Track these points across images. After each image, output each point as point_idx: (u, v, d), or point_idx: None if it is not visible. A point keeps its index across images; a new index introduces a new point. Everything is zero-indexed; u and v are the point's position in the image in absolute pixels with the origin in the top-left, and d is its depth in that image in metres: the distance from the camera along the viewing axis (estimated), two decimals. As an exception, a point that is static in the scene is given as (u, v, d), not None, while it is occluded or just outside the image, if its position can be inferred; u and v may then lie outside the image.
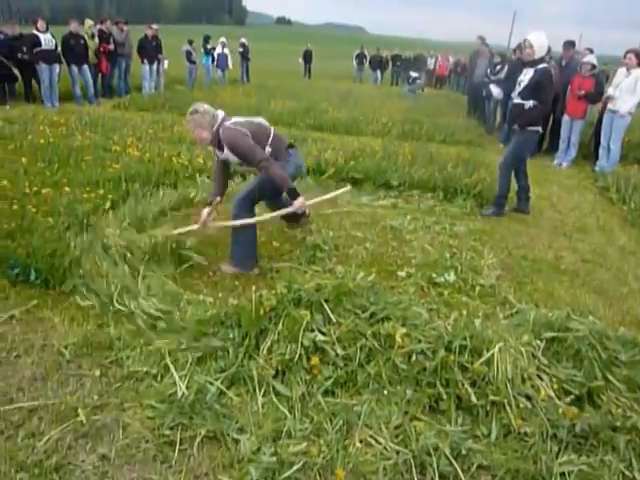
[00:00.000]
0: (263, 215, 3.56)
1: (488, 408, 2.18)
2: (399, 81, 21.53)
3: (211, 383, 2.23)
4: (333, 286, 2.53)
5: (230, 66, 16.45)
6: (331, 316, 2.44)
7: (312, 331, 2.35)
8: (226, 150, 3.32)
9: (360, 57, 22.82)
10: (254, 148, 3.22)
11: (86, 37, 10.32)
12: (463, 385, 2.24)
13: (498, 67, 9.60)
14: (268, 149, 3.36)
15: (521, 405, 2.17)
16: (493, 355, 2.28)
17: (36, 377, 2.32)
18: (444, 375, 2.26)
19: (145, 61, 12.13)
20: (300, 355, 2.29)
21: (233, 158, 3.36)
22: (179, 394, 2.17)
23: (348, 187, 3.84)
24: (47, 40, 9.49)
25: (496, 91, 8.72)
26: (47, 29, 9.58)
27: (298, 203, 3.22)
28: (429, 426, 2.10)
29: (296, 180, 3.77)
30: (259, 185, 3.38)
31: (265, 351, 2.39)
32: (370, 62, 22.43)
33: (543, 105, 4.63)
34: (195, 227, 3.53)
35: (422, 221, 4.53)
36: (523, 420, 2.11)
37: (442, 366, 2.27)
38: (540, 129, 4.90)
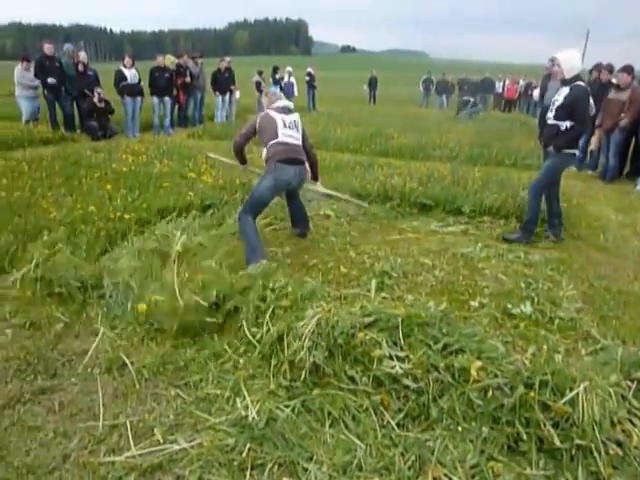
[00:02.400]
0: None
1: (573, 452, 2.04)
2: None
3: (281, 410, 2.24)
4: (405, 314, 2.48)
5: (296, 94, 16.95)
6: (403, 346, 2.39)
7: (385, 360, 2.30)
8: None
9: (427, 82, 22.75)
10: (242, 129, 4.10)
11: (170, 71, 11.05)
12: (545, 426, 2.10)
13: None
14: (265, 149, 3.92)
15: (611, 452, 2.01)
16: (577, 395, 2.14)
17: (117, 394, 2.43)
18: (523, 414, 2.14)
19: (217, 92, 12.77)
20: (371, 385, 2.26)
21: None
22: (250, 418, 2.19)
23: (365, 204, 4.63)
24: (132, 75, 10.22)
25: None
26: (133, 65, 10.33)
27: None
28: (508, 468, 1.99)
29: (280, 192, 4.13)
30: (257, 187, 3.94)
31: (333, 377, 2.39)
32: (436, 87, 22.30)
33: (580, 125, 4.36)
34: (238, 165, 4.47)
35: (495, 249, 4.38)
36: (614, 469, 1.95)
37: (521, 404, 2.15)
38: (577, 152, 4.61)
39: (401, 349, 2.41)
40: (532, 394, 2.14)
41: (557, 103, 4.43)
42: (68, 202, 4.76)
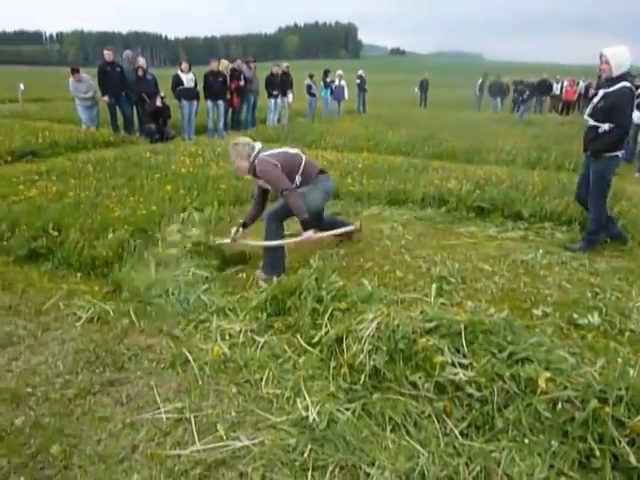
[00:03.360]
0: (286, 239, 3.88)
1: (651, 473, 1.92)
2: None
3: (342, 412, 2.23)
4: (469, 321, 2.42)
5: (346, 97, 16.98)
6: (466, 353, 2.34)
7: (447, 367, 2.26)
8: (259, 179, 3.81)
9: (482, 85, 22.20)
10: (280, 179, 3.66)
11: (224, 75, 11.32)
12: (620, 443, 2.00)
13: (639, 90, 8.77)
14: (299, 177, 3.79)
15: (693, 474, 1.88)
16: (656, 412, 2.02)
17: (180, 389, 2.49)
18: (596, 429, 2.04)
19: (270, 96, 12.98)
20: (433, 391, 2.22)
21: (266, 185, 3.84)
22: (310, 419, 2.20)
23: (357, 225, 4.34)
24: (188, 80, 10.54)
25: (636, 115, 7.96)
26: (189, 69, 10.65)
27: (306, 235, 3.72)
28: (580, 485, 1.90)
29: (326, 201, 4.18)
30: (285, 205, 3.74)
31: (394, 382, 2.36)
32: (490, 88, 21.72)
33: (620, 129, 4.06)
34: (226, 241, 4.03)
35: (557, 256, 4.21)
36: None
37: (594, 419, 2.05)
38: (620, 154, 4.27)
39: (464, 356, 2.35)
40: (606, 409, 2.04)
41: (597, 103, 4.17)
42: (131, 202, 4.95)
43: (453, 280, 3.61)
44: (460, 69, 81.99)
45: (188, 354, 2.72)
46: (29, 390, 2.46)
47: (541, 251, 4.28)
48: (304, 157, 3.93)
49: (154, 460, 2.05)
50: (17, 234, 4.19)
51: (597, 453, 1.99)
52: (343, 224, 4.33)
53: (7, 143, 8.10)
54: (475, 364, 2.31)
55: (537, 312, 3.23)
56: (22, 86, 15.33)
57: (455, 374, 2.26)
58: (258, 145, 3.85)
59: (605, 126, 4.11)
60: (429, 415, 2.21)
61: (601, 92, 4.20)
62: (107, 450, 2.11)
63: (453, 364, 2.30)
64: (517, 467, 1.96)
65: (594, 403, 2.07)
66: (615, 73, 4.03)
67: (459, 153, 8.89)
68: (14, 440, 2.12)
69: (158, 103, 10.01)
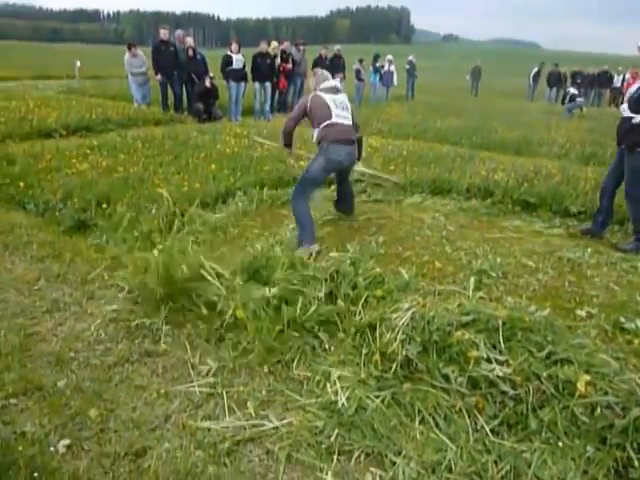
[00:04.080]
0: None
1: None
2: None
3: (371, 400, 2.22)
4: (507, 317, 2.36)
5: (395, 83, 16.68)
6: (502, 350, 2.28)
7: (482, 362, 2.21)
8: None
9: (537, 74, 21.31)
10: (293, 112, 4.14)
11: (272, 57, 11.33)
12: (661, 455, 1.91)
13: None
14: (316, 130, 3.93)
15: None
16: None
17: (214, 364, 2.54)
18: (637, 438, 1.96)
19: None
20: (466, 386, 2.18)
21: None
22: (339, 404, 2.20)
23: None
24: (237, 60, 10.61)
25: None
26: (239, 50, 10.71)
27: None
28: (615, 494, 1.83)
29: (332, 172, 4.16)
30: (308, 167, 3.98)
31: (426, 373, 2.33)
32: (548, 79, 20.82)
33: None
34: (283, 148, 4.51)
35: (606, 256, 4.02)
36: None
37: (635, 427, 1.97)
38: None
39: (500, 353, 2.29)
40: (649, 419, 1.95)
41: (634, 93, 3.98)
42: (176, 179, 5.05)
43: (494, 274, 3.51)
44: (515, 57, 78.99)
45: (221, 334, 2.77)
46: (72, 355, 2.58)
47: (589, 250, 4.10)
48: (333, 119, 3.87)
49: (185, 431, 2.11)
50: (69, 205, 4.36)
51: (636, 463, 1.91)
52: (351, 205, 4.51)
53: (63, 117, 8.41)
54: (511, 362, 2.25)
55: (581, 313, 3.10)
56: (79, 63, 15.86)
57: (491, 370, 2.20)
58: (328, 83, 4.03)
59: (638, 117, 3.91)
60: (460, 410, 2.17)
61: (637, 83, 4.06)
62: (141, 417, 2.18)
63: (488, 360, 2.25)
64: (548, 470, 1.91)
65: (636, 412, 1.99)
66: None
67: (509, 144, 8.59)
68: (56, 401, 2.23)
69: (207, 84, 10.13)
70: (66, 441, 2.01)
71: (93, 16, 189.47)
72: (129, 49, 10.52)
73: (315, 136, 3.98)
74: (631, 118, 3.99)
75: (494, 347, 2.30)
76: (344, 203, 4.52)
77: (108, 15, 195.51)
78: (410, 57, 18.20)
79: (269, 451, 2.03)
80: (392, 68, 16.30)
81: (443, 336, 2.35)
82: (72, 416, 2.16)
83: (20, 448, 1.92)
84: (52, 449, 1.97)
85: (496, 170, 5.98)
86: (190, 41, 10.72)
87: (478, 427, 2.12)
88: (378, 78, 16.28)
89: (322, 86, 4.00)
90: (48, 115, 8.44)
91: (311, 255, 3.54)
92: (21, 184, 4.80)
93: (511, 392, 2.16)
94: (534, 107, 16.74)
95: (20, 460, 1.86)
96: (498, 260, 3.74)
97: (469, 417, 2.15)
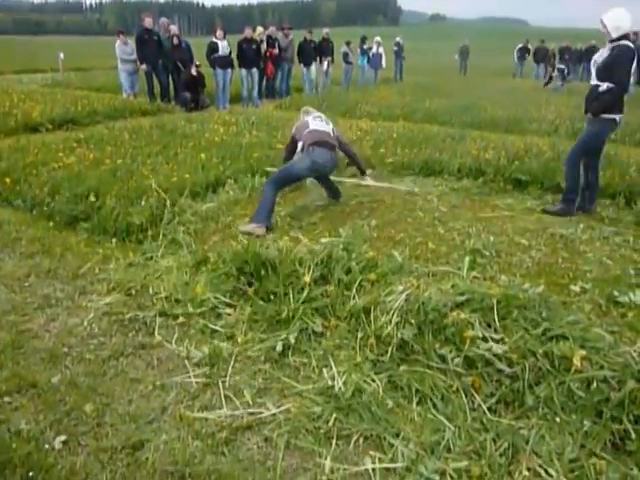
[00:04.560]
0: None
1: (690, 457, 1.84)
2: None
3: (368, 383, 2.22)
4: (502, 295, 2.35)
5: (384, 65, 16.53)
6: (497, 328, 2.27)
7: (484, 341, 2.20)
8: None
9: (522, 51, 21.18)
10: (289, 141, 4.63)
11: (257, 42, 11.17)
12: (657, 426, 1.92)
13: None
14: (300, 143, 4.37)
15: None
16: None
17: (209, 355, 2.52)
18: (633, 410, 1.96)
19: (302, 64, 12.78)
20: (462, 366, 2.17)
21: None
22: (336, 389, 2.19)
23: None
24: (223, 47, 10.45)
25: None
26: (224, 37, 10.54)
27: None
28: (612, 466, 1.84)
29: (320, 173, 4.33)
30: (294, 163, 4.29)
31: (422, 355, 2.32)
32: (535, 55, 20.68)
33: (617, 87, 4.01)
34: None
35: (599, 230, 4.02)
36: None
37: (631, 400, 1.97)
38: (617, 117, 4.17)
39: (495, 331, 2.29)
40: (645, 390, 1.95)
41: (598, 63, 4.14)
42: (165, 170, 4.99)
43: (487, 253, 3.51)
44: (503, 35, 78.40)
45: (214, 325, 2.75)
46: (65, 350, 2.55)
47: (582, 225, 4.11)
48: (311, 127, 4.30)
49: (182, 422, 2.10)
50: (57, 200, 4.30)
51: (633, 435, 1.92)
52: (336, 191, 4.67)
53: (48, 111, 8.26)
54: (507, 340, 2.25)
55: (575, 288, 3.10)
56: (62, 55, 15.56)
57: (487, 349, 2.20)
58: (310, 116, 4.50)
59: (604, 85, 4.08)
60: (457, 389, 2.17)
61: (601, 51, 4.21)
62: (138, 410, 2.17)
63: (484, 339, 2.24)
64: (546, 445, 1.91)
65: (632, 384, 1.99)
66: (615, 35, 4.03)
67: (499, 122, 8.56)
68: (51, 397, 2.21)
69: (193, 72, 9.99)
70: (62, 437, 1.99)
71: (75, 7, 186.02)
72: (118, 36, 10.41)
73: (299, 147, 4.40)
74: (598, 86, 4.15)
75: (489, 326, 2.30)
76: (330, 191, 4.64)
77: (91, 6, 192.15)
78: (398, 38, 18.00)
79: (267, 438, 2.02)
80: (381, 50, 16.13)
81: (438, 317, 2.35)
82: (67, 412, 2.13)
83: (15, 446, 1.90)
84: (47, 446, 1.95)
85: (487, 149, 5.97)
86: (175, 29, 10.56)
87: (475, 406, 2.12)
88: (366, 61, 16.12)
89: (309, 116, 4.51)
90: (33, 109, 8.29)
91: (251, 235, 3.69)
92: (7, 180, 4.72)
93: (507, 370, 2.17)
94: (523, 85, 16.68)
95: (15, 459, 1.84)
96: (491, 239, 3.74)
97: (466, 396, 2.15)
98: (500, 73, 22.10)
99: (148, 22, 10.05)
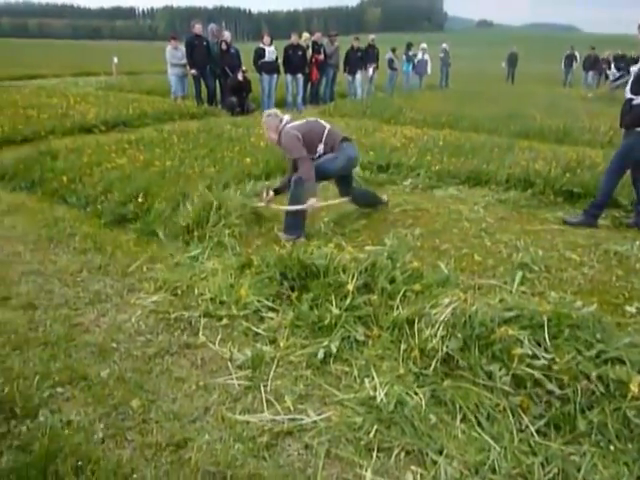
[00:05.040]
0: (308, 203, 3.81)
1: None
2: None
3: (411, 396, 2.18)
4: (553, 313, 2.27)
5: (429, 71, 16.39)
6: (548, 347, 2.19)
7: (526, 360, 2.13)
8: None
9: (570, 58, 20.53)
10: (295, 148, 3.80)
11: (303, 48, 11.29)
12: None
13: None
14: (322, 146, 3.93)
15: None
16: None
17: (252, 358, 2.54)
18: (695, 443, 1.85)
19: (350, 70, 12.81)
20: (510, 384, 2.11)
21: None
22: (378, 400, 2.17)
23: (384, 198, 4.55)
24: (270, 53, 10.61)
25: None
26: (271, 43, 10.70)
27: (309, 202, 3.79)
28: (671, 501, 1.73)
29: (351, 169, 4.27)
30: (326, 164, 3.90)
31: (467, 370, 2.27)
32: (584, 62, 20.01)
33: None
34: (260, 204, 4.24)
35: (657, 249, 3.84)
36: None
37: (693, 432, 1.86)
38: None
39: (546, 350, 2.21)
40: None
41: (635, 75, 3.97)
42: (211, 173, 5.09)
43: (536, 268, 3.40)
44: (552, 42, 76.25)
45: (257, 328, 2.77)
46: (114, 345, 2.62)
47: (638, 242, 3.92)
48: (327, 126, 4.05)
49: (224, 423, 2.12)
50: (109, 199, 4.45)
51: (694, 469, 1.81)
52: (375, 197, 4.50)
53: (102, 113, 8.60)
54: (558, 360, 2.17)
55: (630, 309, 2.97)
56: (116, 59, 16.20)
57: (536, 368, 2.12)
58: (286, 117, 4.03)
59: (638, 99, 3.93)
60: (504, 409, 2.10)
61: None
62: (182, 409, 2.20)
63: (534, 357, 2.17)
64: (599, 474, 1.82)
65: (695, 414, 1.88)
66: None
67: (548, 132, 8.31)
68: (100, 390, 2.28)
69: (240, 77, 10.17)
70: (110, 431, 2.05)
71: (129, 13, 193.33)
72: (170, 41, 10.81)
73: (321, 150, 3.95)
74: (631, 99, 4.01)
75: (539, 344, 2.22)
76: (364, 199, 4.49)
77: (143, 12, 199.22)
78: (444, 45, 17.85)
79: (308, 446, 2.01)
80: (426, 57, 16.03)
81: (485, 332, 2.29)
82: (115, 406, 2.19)
83: (66, 436, 1.97)
84: (96, 437, 2.01)
85: (536, 159, 5.79)
86: (227, 35, 10.78)
87: (523, 427, 2.04)
88: (411, 67, 16.02)
89: (283, 123, 3.95)
90: (88, 111, 8.65)
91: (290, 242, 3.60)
92: (64, 178, 4.93)
93: (558, 392, 2.08)
94: (573, 93, 16.14)
95: (67, 448, 1.90)
96: (540, 253, 3.63)
97: (513, 417, 2.08)
98: (549, 81, 21.49)
99: (198, 28, 10.32)
